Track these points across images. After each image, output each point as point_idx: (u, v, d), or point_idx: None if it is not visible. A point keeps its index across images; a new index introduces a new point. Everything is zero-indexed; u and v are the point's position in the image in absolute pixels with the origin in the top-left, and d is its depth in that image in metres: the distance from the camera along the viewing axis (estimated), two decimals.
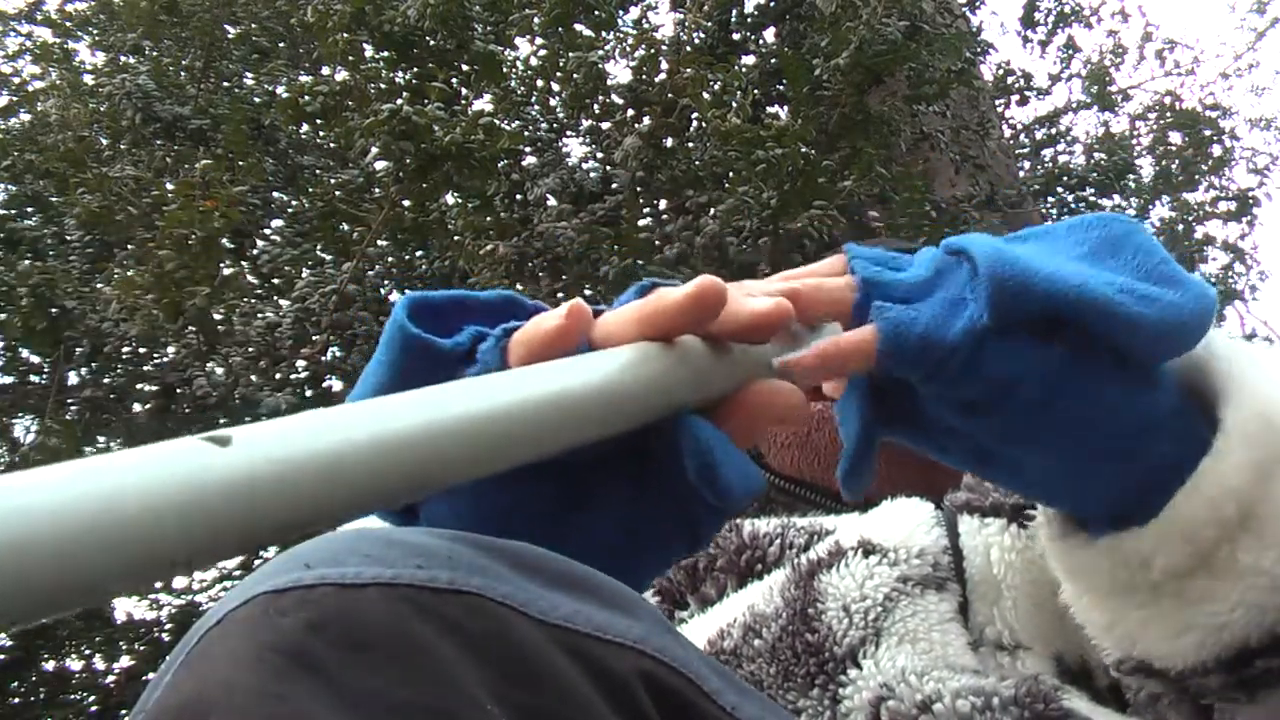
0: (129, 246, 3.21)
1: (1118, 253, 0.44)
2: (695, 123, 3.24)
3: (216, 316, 2.90)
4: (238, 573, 3.67)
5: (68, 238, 3.49)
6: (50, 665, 3.74)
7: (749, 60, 3.73)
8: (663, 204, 3.45)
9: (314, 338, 2.89)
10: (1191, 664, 0.45)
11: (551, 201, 3.30)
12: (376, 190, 3.22)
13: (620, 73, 3.59)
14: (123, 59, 4.08)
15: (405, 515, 0.44)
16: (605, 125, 3.35)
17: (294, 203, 3.82)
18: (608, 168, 3.39)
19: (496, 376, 0.34)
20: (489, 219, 3.11)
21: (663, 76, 2.99)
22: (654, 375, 0.38)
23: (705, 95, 2.91)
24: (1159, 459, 0.43)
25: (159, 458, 0.24)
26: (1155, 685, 0.50)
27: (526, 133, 3.46)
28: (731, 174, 2.96)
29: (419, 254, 3.61)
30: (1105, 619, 0.48)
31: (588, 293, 3.17)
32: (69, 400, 3.28)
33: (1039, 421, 0.42)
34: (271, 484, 0.26)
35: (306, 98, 2.76)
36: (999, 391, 0.41)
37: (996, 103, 4.98)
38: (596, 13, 3.10)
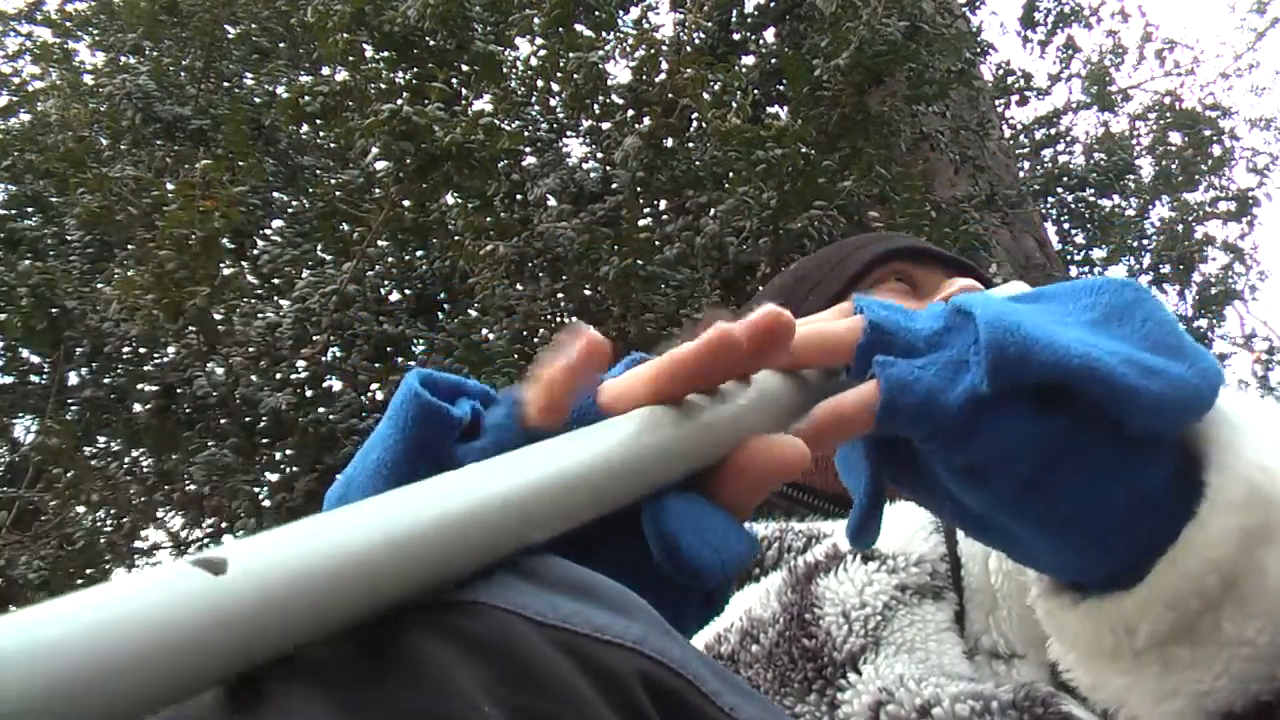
0: (129, 246, 3.21)
1: (1125, 320, 0.43)
2: (695, 123, 3.24)
3: (216, 316, 2.91)
4: None
5: (68, 238, 3.49)
6: None
7: (749, 60, 3.73)
8: (663, 204, 3.45)
9: (314, 338, 2.89)
10: None
11: (551, 202, 3.30)
12: (376, 190, 3.22)
13: (620, 73, 3.60)
14: (123, 59, 4.08)
15: None
16: (605, 125, 3.35)
17: (294, 203, 3.82)
18: (608, 168, 3.39)
19: (494, 464, 0.32)
20: (489, 219, 3.11)
21: (663, 76, 2.99)
22: (664, 443, 0.37)
23: (705, 95, 2.91)
24: (1152, 532, 0.42)
25: (149, 592, 0.23)
26: None
27: (526, 133, 3.46)
28: (731, 174, 2.96)
29: (419, 254, 3.61)
30: (1090, 680, 0.48)
31: (587, 292, 3.17)
32: (69, 400, 3.28)
33: (1036, 493, 0.41)
34: (272, 609, 0.24)
35: (306, 98, 2.76)
36: (997, 460, 0.40)
37: (996, 103, 4.98)
38: (596, 13, 3.10)
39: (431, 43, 3.10)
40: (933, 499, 0.45)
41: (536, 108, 3.63)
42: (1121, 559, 0.43)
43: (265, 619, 0.24)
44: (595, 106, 3.29)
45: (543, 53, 3.23)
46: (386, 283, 3.60)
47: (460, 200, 3.27)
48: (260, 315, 2.94)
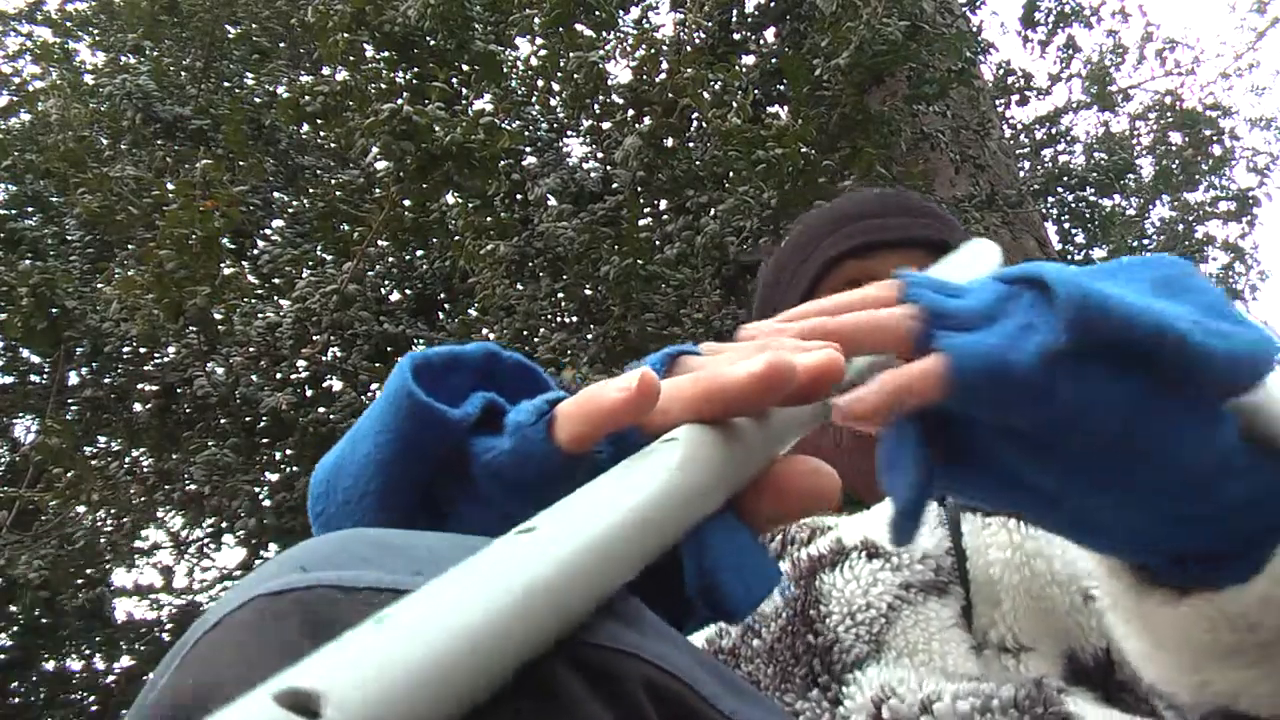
0: (129, 246, 3.21)
1: (1180, 291, 0.42)
2: (695, 123, 3.24)
3: (217, 316, 2.91)
4: (238, 572, 3.67)
5: (68, 238, 3.49)
6: (50, 665, 3.75)
7: (749, 60, 3.73)
8: (663, 204, 3.45)
9: (314, 338, 2.89)
10: None
11: (552, 201, 3.30)
12: (377, 190, 3.22)
13: (620, 73, 3.60)
14: (123, 59, 4.08)
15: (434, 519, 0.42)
16: (605, 125, 3.35)
17: (294, 203, 3.82)
18: (608, 168, 3.39)
19: (549, 525, 0.30)
20: (489, 219, 3.11)
21: (663, 76, 2.98)
22: (713, 475, 0.35)
23: (705, 95, 2.91)
24: (1231, 499, 0.41)
25: None
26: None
27: (527, 133, 3.46)
28: (732, 174, 2.96)
29: (419, 254, 3.61)
30: (1197, 678, 0.46)
31: (587, 292, 3.17)
32: (69, 400, 3.28)
33: (1117, 456, 0.40)
34: None
35: (307, 98, 2.76)
36: (1072, 422, 0.39)
37: (996, 103, 4.98)
38: (597, 13, 3.10)
39: (432, 43, 3.10)
40: (990, 487, 0.43)
41: (536, 107, 3.63)
42: (1202, 535, 0.42)
43: None
44: (595, 106, 3.29)
45: (543, 52, 3.23)
46: (387, 283, 3.60)
47: (460, 200, 3.27)
48: (260, 315, 2.94)
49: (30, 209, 3.79)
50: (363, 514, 0.39)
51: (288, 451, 3.15)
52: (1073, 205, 5.14)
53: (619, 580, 0.30)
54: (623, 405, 0.35)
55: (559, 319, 3.31)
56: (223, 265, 2.77)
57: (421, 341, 3.26)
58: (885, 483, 0.42)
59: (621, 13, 3.41)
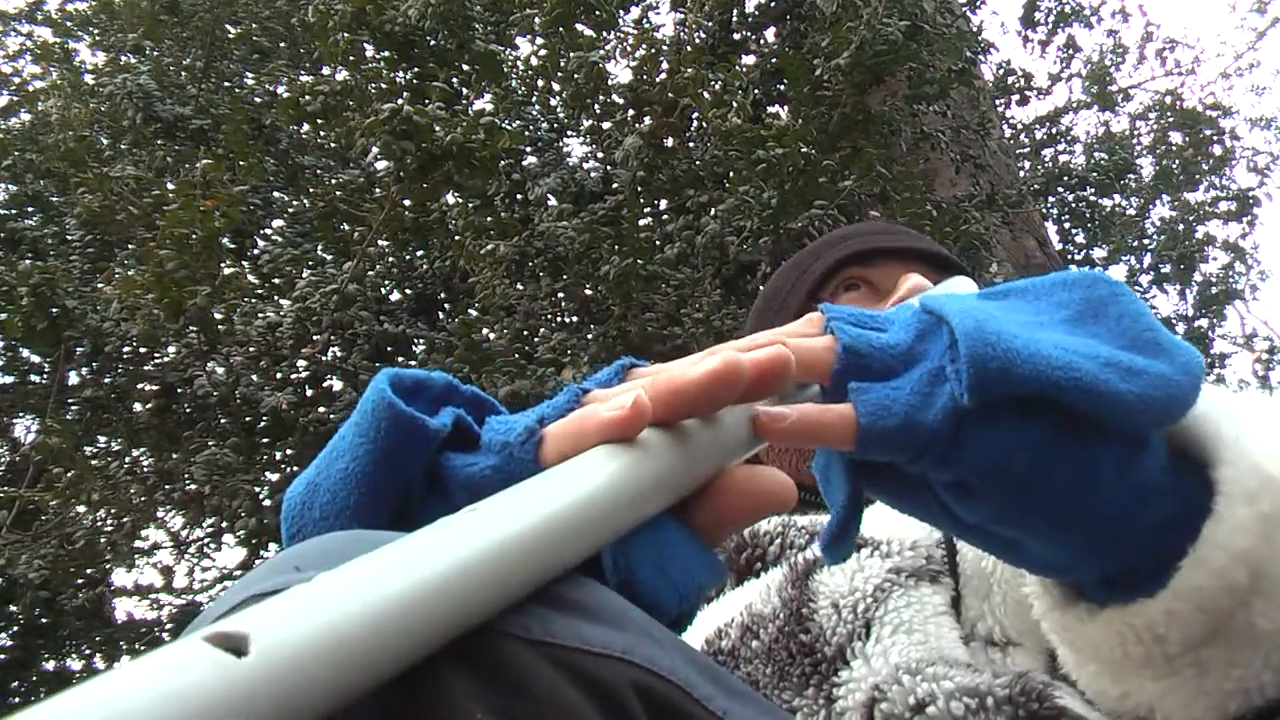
0: (129, 246, 3.21)
1: (1101, 317, 0.43)
2: (696, 122, 3.24)
3: (217, 316, 2.91)
4: (238, 572, 3.67)
5: (68, 237, 3.49)
6: (50, 665, 3.75)
7: (749, 60, 3.73)
8: (663, 204, 3.45)
9: (314, 337, 2.89)
10: None
11: (552, 201, 3.30)
12: (377, 190, 3.22)
13: (621, 72, 3.60)
14: (123, 59, 4.08)
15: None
16: (606, 125, 3.35)
17: (294, 203, 3.82)
18: (608, 168, 3.39)
19: (494, 507, 0.31)
20: (489, 219, 3.12)
21: (663, 76, 2.99)
22: (661, 473, 0.36)
23: (706, 95, 2.91)
24: (1154, 519, 0.42)
25: (162, 683, 0.20)
26: None
27: (527, 133, 3.46)
28: (732, 174, 2.96)
29: (419, 254, 3.61)
30: (1118, 690, 0.46)
31: (587, 292, 3.17)
32: (69, 400, 3.28)
33: (1028, 499, 0.40)
34: (298, 688, 0.22)
35: (307, 98, 2.76)
36: (985, 472, 0.40)
37: (997, 102, 4.98)
38: (597, 12, 3.10)
39: (432, 42, 3.10)
40: (924, 510, 0.44)
41: (537, 107, 3.64)
42: (1128, 554, 0.43)
43: (291, 699, 0.22)
44: (596, 106, 3.29)
45: (543, 52, 3.23)
46: (387, 282, 3.60)
47: (460, 200, 3.27)
48: (260, 315, 2.94)
49: (30, 209, 3.80)
50: (341, 528, 0.39)
51: (288, 451, 3.15)
52: (1073, 205, 5.14)
53: (558, 563, 0.32)
54: (617, 425, 0.36)
55: (559, 319, 3.31)
56: (223, 265, 2.77)
57: (422, 341, 3.26)
58: (825, 498, 0.44)
59: (622, 13, 3.41)
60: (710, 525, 0.39)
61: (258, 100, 3.76)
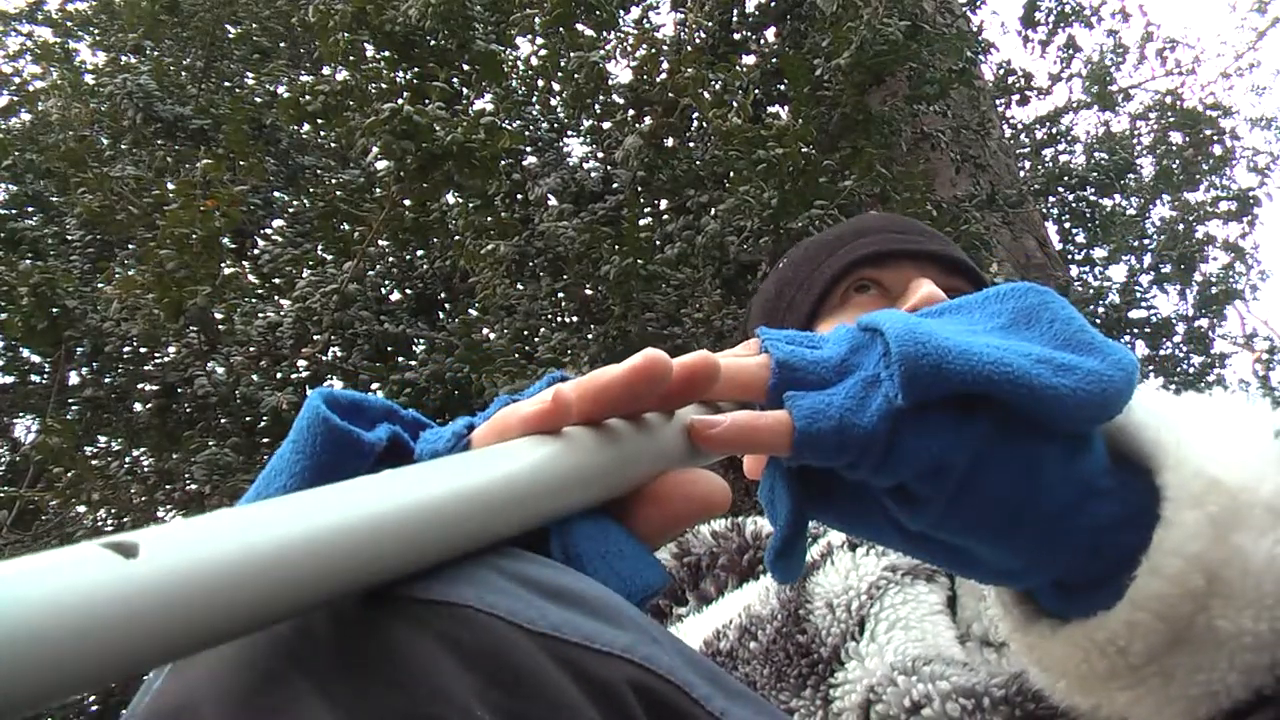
0: (130, 246, 3.21)
1: (1034, 323, 0.43)
2: (696, 122, 3.24)
3: (217, 316, 2.91)
4: None
5: (68, 237, 3.49)
6: None
7: (750, 60, 3.73)
8: (663, 204, 3.45)
9: (314, 337, 2.89)
10: None
11: (552, 201, 3.30)
12: (377, 190, 3.22)
13: (621, 72, 3.60)
14: (124, 59, 4.08)
15: None
16: (606, 125, 3.35)
17: (294, 203, 3.82)
18: (608, 167, 3.39)
19: (413, 470, 0.32)
20: (489, 219, 3.11)
21: (663, 76, 2.98)
22: (582, 465, 0.36)
23: (706, 95, 2.91)
24: (1101, 522, 0.42)
25: (53, 574, 0.22)
26: None
27: (527, 132, 3.46)
28: (732, 174, 2.96)
29: (419, 254, 3.61)
30: (1089, 702, 0.46)
31: (587, 292, 3.17)
32: (69, 400, 3.28)
33: (969, 500, 0.40)
34: (184, 599, 0.23)
35: (307, 97, 2.76)
36: (923, 473, 0.40)
37: (997, 102, 4.98)
38: (597, 12, 3.10)
39: (432, 42, 3.10)
40: (873, 527, 0.44)
41: (537, 107, 3.64)
42: (1077, 557, 0.42)
43: (177, 610, 0.23)
44: (596, 106, 3.29)
45: (543, 52, 3.23)
46: (387, 282, 3.60)
47: (461, 200, 3.27)
48: (261, 315, 2.94)
49: (30, 209, 3.80)
50: None
51: None
52: (1073, 205, 5.14)
53: (471, 536, 0.32)
54: (536, 418, 0.37)
55: (559, 319, 3.31)
56: (223, 265, 2.77)
57: (422, 341, 3.26)
58: (768, 517, 0.44)
59: (622, 12, 3.41)
60: (650, 529, 0.39)
61: (258, 100, 3.76)
